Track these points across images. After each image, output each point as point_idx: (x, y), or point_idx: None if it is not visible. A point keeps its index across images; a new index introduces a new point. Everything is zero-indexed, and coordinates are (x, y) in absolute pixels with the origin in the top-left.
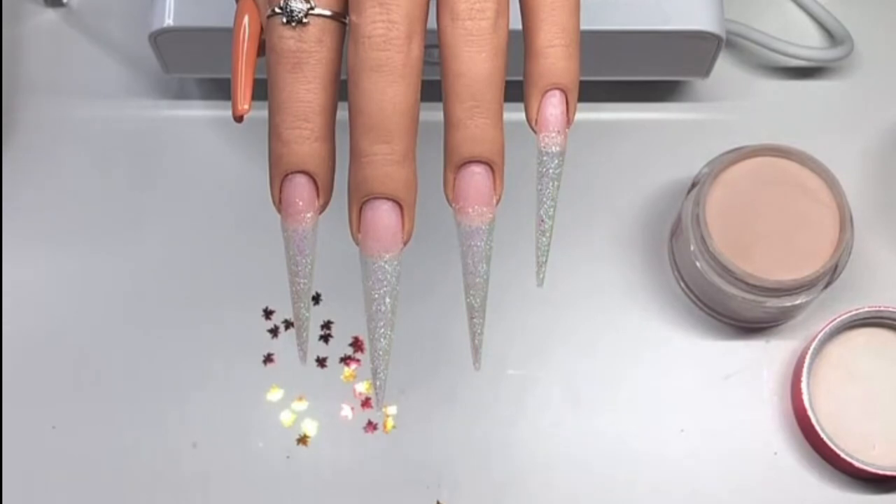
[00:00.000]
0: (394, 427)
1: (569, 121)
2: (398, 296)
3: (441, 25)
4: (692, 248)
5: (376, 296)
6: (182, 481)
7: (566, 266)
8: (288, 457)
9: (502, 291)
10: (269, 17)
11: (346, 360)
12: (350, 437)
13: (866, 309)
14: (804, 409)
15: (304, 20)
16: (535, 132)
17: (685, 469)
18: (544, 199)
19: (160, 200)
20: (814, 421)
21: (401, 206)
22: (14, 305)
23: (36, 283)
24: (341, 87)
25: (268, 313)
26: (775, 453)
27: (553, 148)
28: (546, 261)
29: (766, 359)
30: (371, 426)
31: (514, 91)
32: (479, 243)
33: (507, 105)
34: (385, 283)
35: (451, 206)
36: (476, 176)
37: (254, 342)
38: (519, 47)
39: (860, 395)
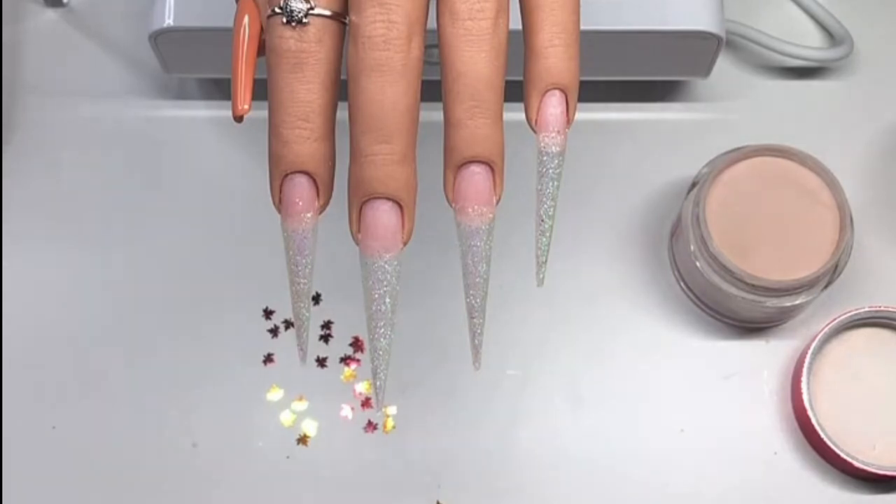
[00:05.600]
0: (394, 427)
1: (569, 121)
2: (398, 296)
3: (441, 25)
4: (692, 248)
5: (376, 296)
6: (182, 481)
7: (566, 266)
8: (288, 457)
9: (502, 291)
10: (269, 16)
11: (346, 360)
12: (350, 437)
13: (866, 309)
14: (804, 409)
15: (304, 20)
16: (534, 132)
17: (685, 469)
18: (544, 199)
19: (160, 200)
20: (814, 421)
21: (401, 206)
22: (14, 305)
23: (36, 283)
24: (341, 87)
25: (268, 313)
26: (775, 453)
27: (553, 148)
28: (546, 261)
29: (766, 359)
30: (371, 426)
31: (514, 91)
32: (478, 243)
33: (507, 105)
34: (385, 283)
35: (451, 206)
36: (476, 176)
37: (254, 342)
38: (519, 47)
39: (860, 395)
